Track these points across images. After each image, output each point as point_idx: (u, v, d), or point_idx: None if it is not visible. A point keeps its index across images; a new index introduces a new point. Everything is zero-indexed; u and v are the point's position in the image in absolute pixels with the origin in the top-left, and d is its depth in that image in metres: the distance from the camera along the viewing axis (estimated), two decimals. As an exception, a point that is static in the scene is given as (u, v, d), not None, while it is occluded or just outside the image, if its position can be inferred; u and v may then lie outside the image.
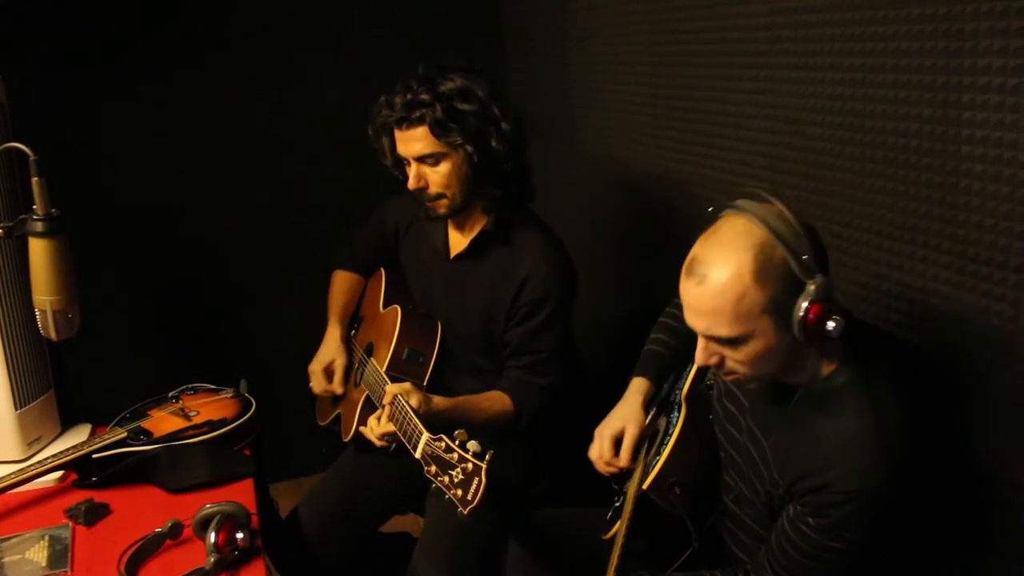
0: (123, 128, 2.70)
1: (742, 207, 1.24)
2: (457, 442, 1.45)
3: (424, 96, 1.77)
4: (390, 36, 2.92)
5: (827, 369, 1.30)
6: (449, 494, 1.42)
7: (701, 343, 1.29)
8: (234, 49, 2.78)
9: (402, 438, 1.61)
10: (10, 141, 1.53)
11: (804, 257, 1.19)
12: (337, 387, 2.06)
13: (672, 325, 1.76)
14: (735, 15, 1.83)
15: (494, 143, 1.82)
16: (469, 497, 1.38)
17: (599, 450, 1.61)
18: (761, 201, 1.24)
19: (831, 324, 1.20)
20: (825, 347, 1.28)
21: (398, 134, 1.82)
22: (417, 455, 1.52)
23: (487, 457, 1.39)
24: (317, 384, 2.08)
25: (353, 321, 2.20)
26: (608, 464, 1.60)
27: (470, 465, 1.40)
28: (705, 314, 1.23)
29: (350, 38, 2.91)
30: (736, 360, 1.27)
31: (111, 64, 2.62)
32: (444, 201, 1.85)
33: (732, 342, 1.24)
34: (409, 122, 1.78)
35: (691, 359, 1.65)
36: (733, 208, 1.25)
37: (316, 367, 2.08)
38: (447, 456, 1.44)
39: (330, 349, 2.10)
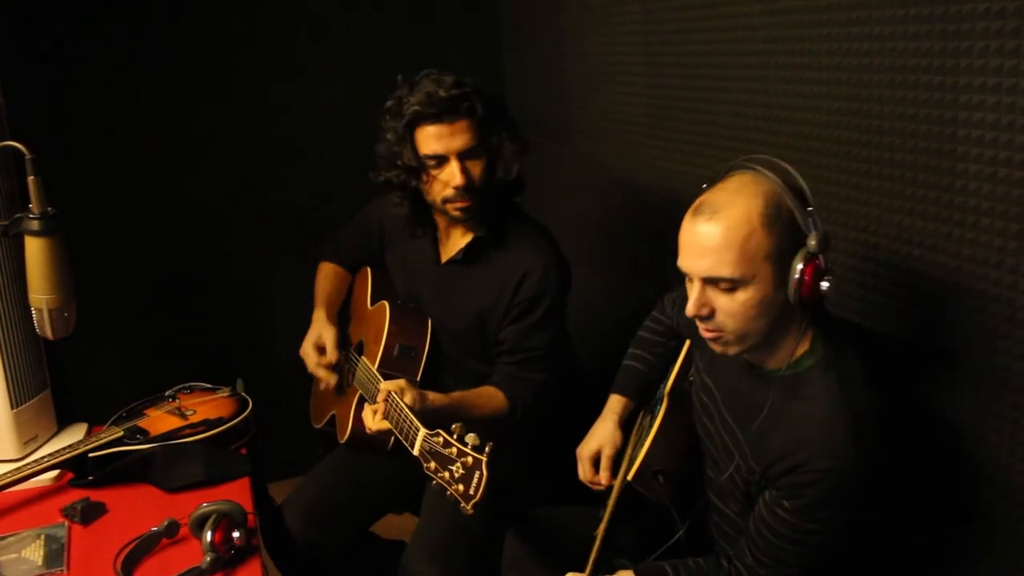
0: (120, 127, 2.69)
1: (750, 165, 1.28)
2: (455, 436, 1.41)
3: (465, 88, 1.74)
4: (387, 37, 2.92)
5: (797, 352, 1.32)
6: (451, 490, 1.39)
7: (696, 291, 1.28)
8: (232, 48, 2.77)
9: (399, 435, 1.59)
10: (6, 140, 1.53)
11: (809, 209, 1.23)
12: (331, 355, 1.98)
13: (650, 339, 1.78)
14: (731, 15, 1.83)
15: (508, 143, 1.82)
16: (471, 492, 1.35)
17: (581, 471, 1.69)
18: (773, 166, 1.28)
19: (825, 284, 1.23)
20: (798, 323, 1.30)
21: (434, 129, 1.75)
22: (415, 452, 1.50)
23: (487, 449, 1.36)
24: (311, 362, 2.00)
25: (341, 319, 2.15)
26: (592, 484, 1.67)
27: (470, 459, 1.37)
28: (711, 252, 1.23)
29: (348, 38, 2.91)
30: (728, 312, 1.26)
31: (108, 63, 2.62)
32: (478, 201, 1.81)
33: (731, 285, 1.24)
34: (456, 114, 1.73)
35: (674, 361, 1.67)
36: (743, 166, 1.29)
37: (306, 347, 2.02)
38: (445, 451, 1.41)
39: (316, 327, 2.04)
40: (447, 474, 1.40)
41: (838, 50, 1.52)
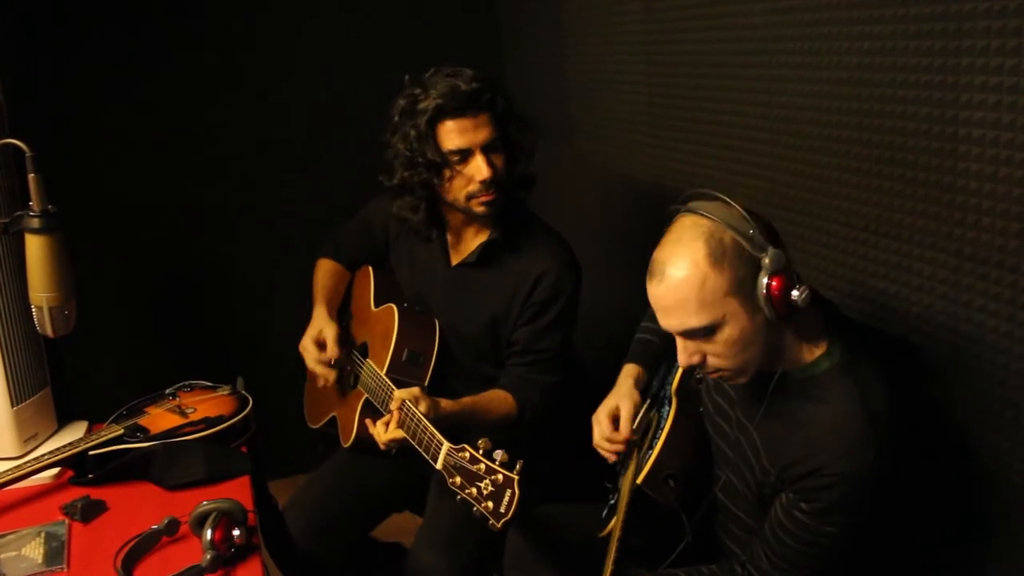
0: (121, 124, 2.70)
1: (687, 207, 1.29)
2: (482, 452, 1.41)
3: (484, 81, 1.74)
4: (387, 37, 2.92)
5: (812, 355, 1.32)
6: (479, 507, 1.38)
7: (680, 344, 1.31)
8: (232, 48, 2.78)
9: (415, 445, 1.59)
10: (7, 137, 1.53)
11: (751, 232, 1.23)
12: (332, 351, 1.92)
13: None
14: (731, 15, 1.83)
15: (524, 137, 1.82)
16: (502, 510, 1.35)
17: (599, 430, 1.60)
18: (706, 198, 1.30)
19: (796, 293, 1.23)
20: (803, 329, 1.31)
21: (458, 124, 1.73)
22: (439, 466, 1.49)
23: (517, 467, 1.36)
24: (311, 357, 1.93)
25: (341, 318, 2.10)
26: (611, 442, 1.58)
27: (500, 476, 1.36)
28: (673, 309, 1.26)
29: (348, 38, 2.92)
30: (716, 354, 1.28)
31: (108, 63, 2.62)
32: (502, 194, 1.80)
33: (706, 332, 1.26)
34: (478, 107, 1.73)
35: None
36: (680, 210, 1.30)
37: (306, 342, 1.96)
38: (473, 467, 1.41)
39: (317, 323, 1.99)
40: (474, 490, 1.39)
41: (838, 50, 1.52)
